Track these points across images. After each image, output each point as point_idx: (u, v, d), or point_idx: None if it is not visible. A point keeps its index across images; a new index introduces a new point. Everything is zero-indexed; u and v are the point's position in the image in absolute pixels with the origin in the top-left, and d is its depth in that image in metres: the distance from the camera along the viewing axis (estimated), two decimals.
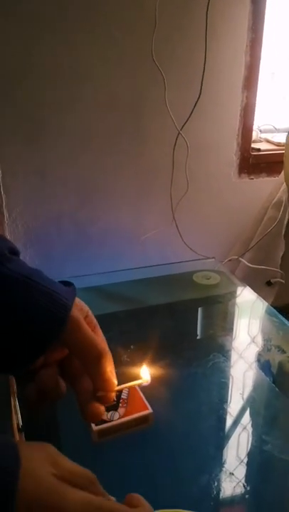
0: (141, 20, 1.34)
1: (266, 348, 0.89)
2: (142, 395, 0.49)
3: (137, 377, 0.47)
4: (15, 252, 0.42)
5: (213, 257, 1.34)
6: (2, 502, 0.28)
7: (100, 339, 0.42)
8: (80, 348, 0.40)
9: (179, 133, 1.41)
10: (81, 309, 0.43)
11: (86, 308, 0.44)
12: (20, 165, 1.40)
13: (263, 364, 0.84)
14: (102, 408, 0.42)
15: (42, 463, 0.32)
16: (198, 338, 0.98)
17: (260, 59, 1.54)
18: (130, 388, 0.49)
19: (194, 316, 1.07)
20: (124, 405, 0.48)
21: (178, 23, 1.38)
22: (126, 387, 0.46)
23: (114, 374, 0.42)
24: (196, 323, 1.05)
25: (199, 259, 1.36)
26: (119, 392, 0.48)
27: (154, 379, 0.48)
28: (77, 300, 0.42)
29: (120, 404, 0.48)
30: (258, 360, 0.86)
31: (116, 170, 1.49)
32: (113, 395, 0.42)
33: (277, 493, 0.60)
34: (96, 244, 1.54)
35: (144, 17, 1.33)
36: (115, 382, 0.42)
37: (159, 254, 1.52)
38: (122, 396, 0.49)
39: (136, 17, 1.34)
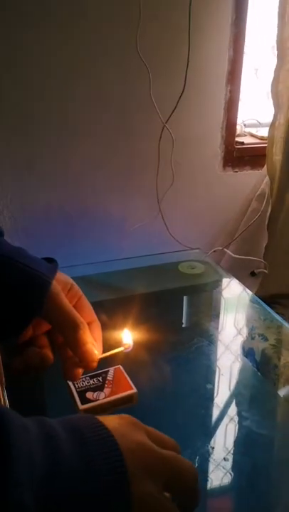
0: (125, 13, 1.35)
1: (250, 336, 0.92)
2: (126, 375, 0.51)
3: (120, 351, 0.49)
4: None
5: (198, 248, 1.37)
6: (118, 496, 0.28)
7: (85, 312, 0.44)
8: (59, 322, 0.42)
9: (164, 126, 1.43)
10: (64, 283, 0.45)
11: (70, 281, 0.46)
12: (7, 156, 1.40)
13: (247, 350, 0.87)
14: (80, 371, 0.44)
15: (136, 433, 0.32)
16: (182, 324, 1.00)
17: (243, 53, 1.56)
18: (115, 369, 0.51)
19: (179, 304, 1.10)
20: (110, 386, 0.50)
21: (162, 17, 1.40)
22: (109, 355, 0.48)
23: (96, 345, 0.44)
24: (181, 311, 1.07)
25: (184, 250, 1.39)
26: (105, 373, 0.50)
27: (138, 360, 0.50)
28: (60, 275, 0.45)
29: (106, 385, 0.50)
30: (242, 347, 0.89)
31: (103, 162, 1.50)
32: (95, 364, 0.44)
33: (255, 464, 0.63)
34: (84, 236, 1.56)
35: (128, 10, 1.34)
36: (95, 352, 0.44)
37: (146, 245, 1.54)
38: (108, 377, 0.51)
39: (120, 10, 1.36)
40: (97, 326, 0.45)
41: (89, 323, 0.45)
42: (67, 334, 0.42)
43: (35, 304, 0.41)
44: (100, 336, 0.45)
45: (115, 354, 0.48)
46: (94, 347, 0.43)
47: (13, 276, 0.41)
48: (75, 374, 0.44)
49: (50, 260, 0.45)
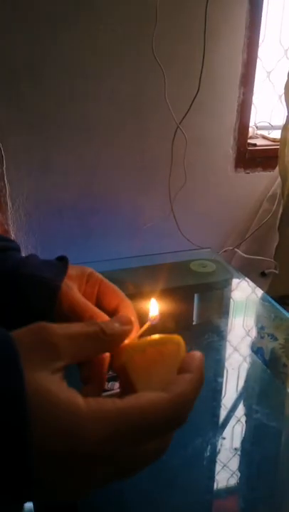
0: (142, 16, 1.37)
1: (259, 336, 0.92)
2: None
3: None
4: (6, 247, 0.44)
5: (209, 248, 1.38)
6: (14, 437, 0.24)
7: (109, 295, 0.43)
8: (76, 320, 0.40)
9: (178, 127, 1.45)
10: (80, 276, 0.44)
11: (87, 271, 0.44)
12: (24, 156, 1.43)
13: (256, 350, 0.88)
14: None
15: (43, 364, 0.26)
16: (193, 320, 1.02)
17: (256, 57, 1.58)
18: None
19: (191, 302, 1.10)
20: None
21: (178, 20, 1.42)
22: (143, 331, 0.43)
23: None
24: (192, 308, 1.08)
25: (196, 249, 1.40)
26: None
27: None
28: (74, 269, 0.44)
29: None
30: (251, 346, 0.89)
31: (117, 162, 1.52)
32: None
33: (265, 455, 0.65)
34: (97, 234, 1.58)
35: (145, 14, 1.36)
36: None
37: (157, 244, 1.56)
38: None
39: (137, 13, 1.38)
40: (126, 305, 0.42)
41: (117, 305, 0.43)
42: None
43: (46, 311, 0.40)
44: (131, 312, 0.42)
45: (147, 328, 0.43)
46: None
47: (21, 289, 0.41)
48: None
49: (62, 258, 0.45)
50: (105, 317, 0.41)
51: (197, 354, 0.31)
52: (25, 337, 0.27)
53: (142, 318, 0.40)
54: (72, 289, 0.42)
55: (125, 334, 0.31)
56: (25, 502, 0.26)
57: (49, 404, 0.25)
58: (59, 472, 0.25)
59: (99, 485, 0.27)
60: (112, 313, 0.43)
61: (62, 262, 0.44)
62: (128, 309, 0.42)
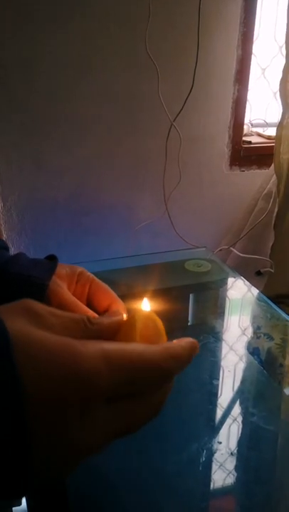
0: (135, 12, 1.36)
1: (256, 336, 0.91)
2: None
3: None
4: None
5: (204, 247, 1.37)
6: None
7: (100, 295, 0.42)
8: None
9: (172, 124, 1.44)
10: (70, 275, 0.43)
11: (77, 270, 0.44)
12: (15, 154, 1.41)
13: (252, 350, 0.87)
14: None
15: (27, 322, 0.25)
16: (188, 321, 1.00)
17: (251, 53, 1.56)
18: None
19: (185, 302, 1.09)
20: None
21: (171, 16, 1.41)
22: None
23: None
24: (187, 308, 1.07)
25: (191, 249, 1.39)
26: None
27: None
28: (63, 268, 0.43)
29: None
30: (247, 346, 0.88)
31: (110, 160, 1.51)
32: None
33: (262, 458, 0.64)
34: (90, 234, 1.57)
35: (138, 9, 1.34)
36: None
37: (152, 243, 1.55)
38: None
39: (130, 9, 1.36)
40: (117, 305, 0.42)
41: (109, 305, 0.42)
42: None
43: None
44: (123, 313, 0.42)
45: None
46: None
47: (7, 288, 0.41)
48: None
49: (51, 257, 0.44)
50: (95, 316, 0.39)
51: (190, 338, 0.31)
52: (6, 305, 0.26)
53: None
54: (62, 287, 0.41)
55: (113, 325, 0.30)
56: (22, 480, 0.23)
57: (37, 342, 0.23)
58: (57, 415, 0.23)
59: (99, 440, 0.25)
60: (103, 313, 0.42)
61: (52, 260, 0.43)
62: (120, 309, 0.42)
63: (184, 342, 0.29)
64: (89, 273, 0.44)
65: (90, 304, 0.43)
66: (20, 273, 0.41)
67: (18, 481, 0.22)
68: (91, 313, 0.41)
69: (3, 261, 0.42)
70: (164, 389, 0.29)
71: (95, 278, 0.44)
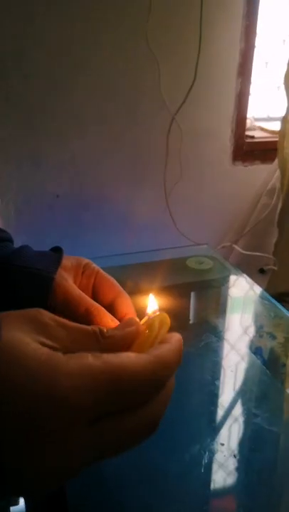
0: (136, 5, 1.33)
1: (258, 334, 0.90)
2: None
3: None
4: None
5: (206, 244, 1.35)
6: None
7: (106, 288, 0.41)
8: (70, 312, 0.40)
9: (173, 118, 1.41)
10: (75, 267, 0.43)
11: (82, 262, 0.43)
12: (13, 150, 1.39)
13: (255, 349, 0.86)
14: None
15: (28, 332, 0.25)
16: (190, 319, 0.99)
17: (254, 46, 1.54)
18: None
19: (187, 300, 1.08)
20: None
21: (173, 9, 1.38)
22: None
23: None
24: (189, 307, 1.06)
25: (192, 246, 1.37)
26: None
27: None
28: (69, 260, 0.43)
29: None
30: (250, 345, 0.87)
31: (110, 155, 1.49)
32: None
33: (265, 461, 0.62)
34: (89, 230, 1.55)
35: (139, 2, 1.32)
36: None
37: (153, 240, 1.53)
38: None
39: (131, 2, 1.34)
40: (123, 299, 0.41)
41: (114, 298, 0.42)
42: (80, 322, 0.40)
43: (39, 303, 0.39)
44: (129, 307, 0.41)
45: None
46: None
47: (13, 281, 0.40)
48: None
49: (57, 249, 0.43)
50: (101, 309, 0.40)
51: (176, 334, 0.31)
52: (14, 312, 0.26)
53: (139, 315, 0.39)
54: (67, 280, 0.41)
55: (127, 337, 0.29)
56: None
57: (21, 356, 0.23)
58: (32, 431, 0.21)
59: (74, 464, 0.23)
60: (108, 306, 0.41)
61: (57, 252, 0.43)
62: (125, 303, 0.41)
63: (172, 342, 0.29)
64: (95, 265, 0.44)
65: (95, 296, 0.42)
66: (25, 265, 0.40)
67: None
68: (97, 306, 0.40)
69: (8, 253, 0.42)
70: (160, 398, 0.27)
71: (101, 270, 0.43)
